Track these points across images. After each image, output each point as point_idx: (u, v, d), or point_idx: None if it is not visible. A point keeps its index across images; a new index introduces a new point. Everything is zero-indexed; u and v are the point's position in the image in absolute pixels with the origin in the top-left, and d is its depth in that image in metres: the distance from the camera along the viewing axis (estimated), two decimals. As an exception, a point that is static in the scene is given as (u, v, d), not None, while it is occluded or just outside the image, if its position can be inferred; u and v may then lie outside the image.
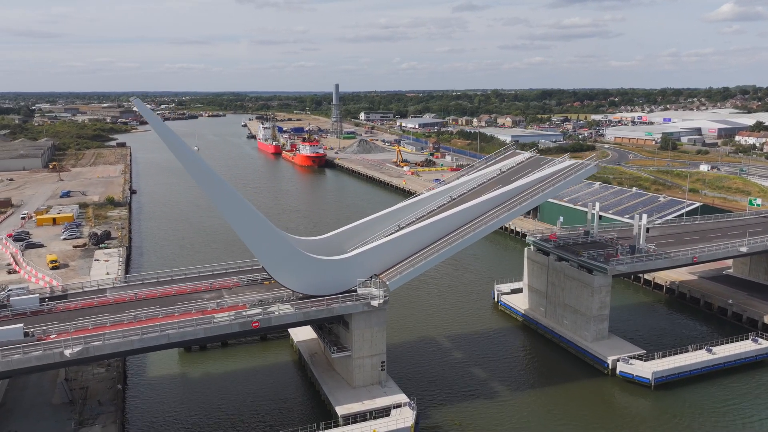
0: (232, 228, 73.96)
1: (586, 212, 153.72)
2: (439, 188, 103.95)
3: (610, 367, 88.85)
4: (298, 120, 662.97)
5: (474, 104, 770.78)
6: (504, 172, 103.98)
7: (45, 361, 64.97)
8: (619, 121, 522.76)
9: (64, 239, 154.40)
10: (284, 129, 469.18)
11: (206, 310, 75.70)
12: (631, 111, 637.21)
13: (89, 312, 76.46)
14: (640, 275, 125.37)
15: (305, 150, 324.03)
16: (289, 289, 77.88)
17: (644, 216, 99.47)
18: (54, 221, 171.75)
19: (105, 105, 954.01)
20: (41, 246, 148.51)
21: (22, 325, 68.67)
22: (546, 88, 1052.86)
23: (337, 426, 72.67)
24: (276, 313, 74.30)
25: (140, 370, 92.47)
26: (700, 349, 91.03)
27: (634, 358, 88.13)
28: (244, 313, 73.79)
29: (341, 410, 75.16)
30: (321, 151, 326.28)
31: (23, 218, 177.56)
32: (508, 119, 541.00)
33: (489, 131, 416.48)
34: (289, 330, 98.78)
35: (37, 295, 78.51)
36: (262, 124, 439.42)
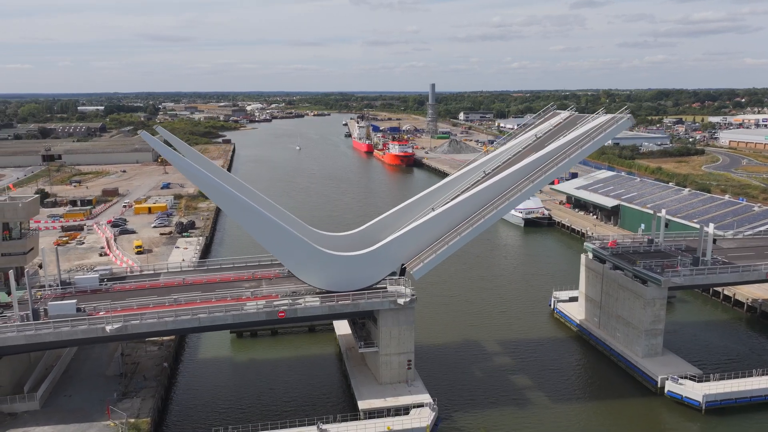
0: (254, 238, 77.48)
1: (669, 220, 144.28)
2: (473, 163, 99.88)
3: (658, 385, 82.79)
4: (398, 120, 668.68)
5: (581, 105, 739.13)
6: (540, 137, 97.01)
7: (89, 335, 71.48)
8: (740, 124, 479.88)
9: (154, 227, 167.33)
10: (381, 128, 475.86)
11: (241, 297, 79.48)
12: (758, 113, 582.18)
13: (139, 293, 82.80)
14: (719, 290, 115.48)
15: (394, 149, 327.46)
16: (313, 286, 79.51)
17: (711, 225, 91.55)
18: (149, 210, 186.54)
19: (221, 104, 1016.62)
20: (133, 232, 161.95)
21: (75, 301, 75.82)
22: (664, 88, 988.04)
23: (357, 420, 73.54)
24: (302, 305, 76.56)
25: (193, 352, 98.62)
26: (767, 374, 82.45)
27: (686, 378, 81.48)
28: (273, 303, 76.74)
29: (363, 405, 76.04)
30: (410, 150, 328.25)
31: (124, 206, 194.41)
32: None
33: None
34: (334, 323, 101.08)
35: (97, 275, 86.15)
36: (358, 123, 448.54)
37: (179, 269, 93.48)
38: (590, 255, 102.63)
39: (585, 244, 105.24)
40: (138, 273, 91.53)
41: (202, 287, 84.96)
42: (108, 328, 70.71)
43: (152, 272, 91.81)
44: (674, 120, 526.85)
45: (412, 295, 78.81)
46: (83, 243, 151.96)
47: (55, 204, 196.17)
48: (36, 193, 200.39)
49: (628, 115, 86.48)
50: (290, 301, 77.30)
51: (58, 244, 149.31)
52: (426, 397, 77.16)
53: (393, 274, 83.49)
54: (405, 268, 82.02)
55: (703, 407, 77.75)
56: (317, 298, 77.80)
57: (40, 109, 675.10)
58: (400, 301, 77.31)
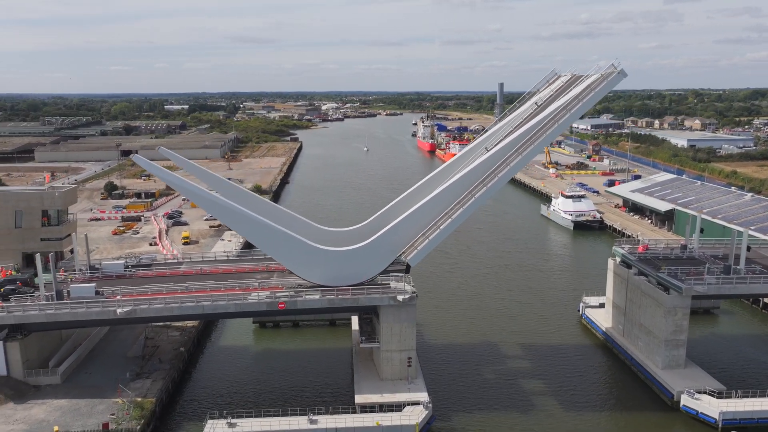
0: (247, 239, 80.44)
1: (724, 226, 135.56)
2: (475, 141, 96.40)
3: (674, 399, 78.19)
4: (468, 119, 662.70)
5: (664, 105, 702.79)
6: (540, 105, 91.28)
7: (102, 317, 76.35)
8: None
9: (206, 219, 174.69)
10: (447, 128, 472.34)
11: (248, 288, 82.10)
12: None
13: (158, 280, 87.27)
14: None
15: (454, 149, 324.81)
16: (311, 281, 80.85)
17: (745, 230, 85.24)
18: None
19: (299, 103, 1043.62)
20: (185, 224, 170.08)
21: (94, 284, 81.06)
22: (762, 87, 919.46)
23: (352, 413, 74.14)
24: (303, 297, 78.12)
25: (215, 339, 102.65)
26: (798, 394, 75.91)
27: (704, 393, 76.45)
28: (276, 294, 78.84)
29: (359, 399, 76.61)
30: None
31: (183, 200, 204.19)
32: (697, 121, 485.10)
33: (664, 134, 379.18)
34: (352, 318, 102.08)
35: (123, 262, 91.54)
36: (423, 122, 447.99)
37: (201, 259, 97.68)
38: (618, 259, 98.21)
39: (614, 248, 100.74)
40: (162, 261, 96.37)
41: (217, 277, 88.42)
42: (119, 311, 75.15)
43: (176, 261, 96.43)
44: (766, 121, 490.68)
45: (413, 292, 78.56)
46: (138, 233, 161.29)
47: (122, 196, 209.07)
48: (105, 185, 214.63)
49: (619, 68, 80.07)
50: (294, 293, 79.08)
51: (116, 233, 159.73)
52: (423, 396, 76.64)
53: (400, 270, 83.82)
54: (409, 264, 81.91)
55: (720, 425, 72.71)
56: (318, 292, 79.10)
57: (131, 107, 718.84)
58: (400, 297, 77.21)
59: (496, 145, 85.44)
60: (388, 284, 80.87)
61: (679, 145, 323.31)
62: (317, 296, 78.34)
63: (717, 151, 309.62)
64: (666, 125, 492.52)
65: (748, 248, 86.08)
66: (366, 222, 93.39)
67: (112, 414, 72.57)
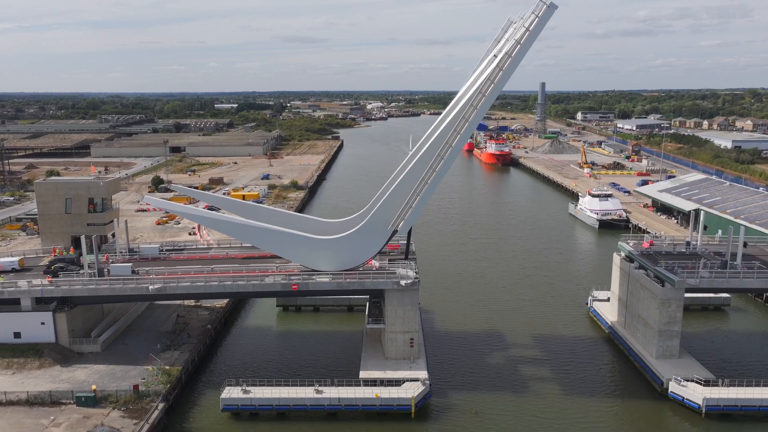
0: (258, 246, 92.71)
1: (746, 227, 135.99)
2: (449, 106, 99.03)
3: (664, 386, 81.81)
4: (512, 119, 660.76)
5: (717, 105, 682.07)
6: (499, 57, 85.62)
7: (137, 292, 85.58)
8: None
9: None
10: (489, 127, 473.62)
11: (266, 271, 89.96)
12: None
13: (188, 263, 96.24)
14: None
15: (491, 148, 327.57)
16: (320, 270, 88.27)
17: (742, 228, 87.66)
18: (243, 198, 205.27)
19: (344, 102, 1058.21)
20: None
21: (131, 264, 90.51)
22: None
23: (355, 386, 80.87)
24: (315, 280, 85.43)
25: (242, 319, 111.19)
26: (785, 385, 78.36)
27: (692, 381, 79.80)
28: (290, 277, 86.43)
29: (363, 374, 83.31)
30: (506, 149, 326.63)
31: (224, 194, 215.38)
32: (749, 122, 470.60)
33: (709, 134, 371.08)
34: (368, 304, 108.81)
35: (158, 245, 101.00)
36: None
37: (228, 245, 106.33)
38: (623, 254, 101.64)
39: (619, 243, 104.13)
40: (193, 247, 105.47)
41: (241, 261, 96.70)
42: (150, 287, 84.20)
43: (205, 246, 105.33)
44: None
45: (416, 278, 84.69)
46: (179, 223, 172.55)
47: (167, 189, 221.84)
48: (152, 179, 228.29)
49: (548, 2, 78.47)
50: (305, 276, 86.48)
51: (159, 224, 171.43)
52: (423, 374, 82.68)
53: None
54: (412, 252, 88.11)
55: (703, 411, 76.10)
56: (328, 275, 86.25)
57: (182, 106, 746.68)
58: (403, 282, 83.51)
59: (457, 106, 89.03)
60: (394, 271, 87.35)
61: (722, 146, 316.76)
62: (327, 279, 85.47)
63: (763, 152, 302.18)
64: (715, 126, 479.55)
65: (745, 244, 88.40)
66: (364, 209, 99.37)
67: (143, 378, 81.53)
